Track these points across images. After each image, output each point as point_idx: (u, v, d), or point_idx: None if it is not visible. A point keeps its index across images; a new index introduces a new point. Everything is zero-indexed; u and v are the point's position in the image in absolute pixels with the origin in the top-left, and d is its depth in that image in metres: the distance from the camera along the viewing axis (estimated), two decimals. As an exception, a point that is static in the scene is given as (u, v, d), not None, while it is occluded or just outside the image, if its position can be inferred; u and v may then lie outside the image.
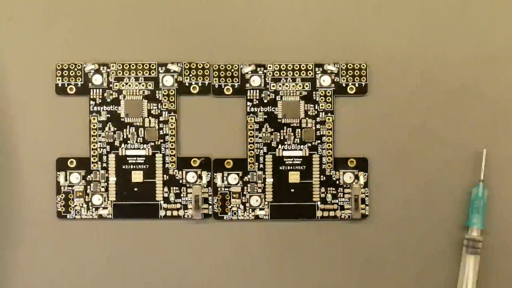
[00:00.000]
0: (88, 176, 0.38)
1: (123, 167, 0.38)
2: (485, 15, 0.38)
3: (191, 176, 0.38)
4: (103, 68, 0.38)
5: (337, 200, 0.38)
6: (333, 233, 0.38)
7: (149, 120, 0.38)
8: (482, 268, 0.37)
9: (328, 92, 0.38)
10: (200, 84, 0.38)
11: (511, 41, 0.38)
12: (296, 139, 0.38)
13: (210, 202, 0.38)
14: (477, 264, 0.37)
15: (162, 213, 0.38)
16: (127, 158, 0.38)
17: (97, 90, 0.38)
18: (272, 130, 0.38)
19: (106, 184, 0.38)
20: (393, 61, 0.38)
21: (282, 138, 0.38)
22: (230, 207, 0.38)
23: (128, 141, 0.38)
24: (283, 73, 0.38)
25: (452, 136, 0.38)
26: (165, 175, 0.38)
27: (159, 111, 0.38)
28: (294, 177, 0.38)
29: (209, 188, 0.38)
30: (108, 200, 0.38)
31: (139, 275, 0.38)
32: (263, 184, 0.38)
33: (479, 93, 0.38)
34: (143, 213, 0.38)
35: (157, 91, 0.38)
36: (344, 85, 0.38)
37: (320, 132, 0.38)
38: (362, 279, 0.38)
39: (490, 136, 0.38)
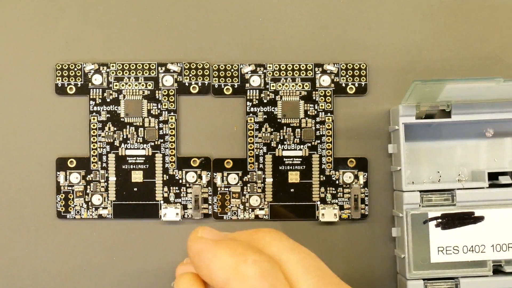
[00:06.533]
0: (88, 176, 0.38)
1: (123, 167, 0.38)
2: (485, 15, 0.38)
3: (191, 176, 0.38)
4: (103, 68, 0.38)
5: (336, 200, 0.38)
6: (333, 233, 0.38)
7: (149, 120, 0.38)
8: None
9: (328, 92, 0.38)
10: (200, 84, 0.38)
11: (510, 41, 0.38)
12: (295, 139, 0.38)
13: (210, 202, 0.38)
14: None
15: (162, 213, 0.38)
16: (127, 158, 0.38)
17: (97, 90, 0.38)
18: (272, 130, 0.38)
19: (106, 184, 0.38)
20: (393, 61, 0.38)
21: (281, 138, 0.38)
22: (230, 207, 0.38)
23: (128, 141, 0.38)
24: (283, 73, 0.38)
25: (452, 136, 0.38)
26: (165, 175, 0.38)
27: (159, 111, 0.38)
28: (293, 177, 0.38)
29: (209, 188, 0.38)
30: (108, 200, 0.38)
31: (139, 275, 0.38)
32: (262, 184, 0.38)
33: (479, 93, 0.38)
34: (143, 213, 0.38)
35: (157, 91, 0.38)
36: (343, 85, 0.38)
37: (319, 132, 0.38)
38: (362, 278, 0.38)
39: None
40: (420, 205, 0.35)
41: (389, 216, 0.38)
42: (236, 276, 0.23)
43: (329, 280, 0.24)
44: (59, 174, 0.38)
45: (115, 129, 0.38)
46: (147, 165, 0.38)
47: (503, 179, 0.35)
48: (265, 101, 0.38)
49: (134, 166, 0.38)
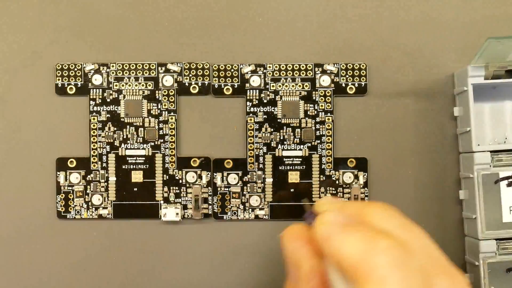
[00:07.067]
0: (88, 176, 0.38)
1: (123, 167, 0.38)
2: (484, 16, 0.38)
3: (191, 176, 0.38)
4: (103, 68, 0.38)
5: (336, 200, 0.38)
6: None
7: (149, 120, 0.38)
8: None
9: (328, 92, 0.38)
10: (200, 84, 0.38)
11: (511, 41, 0.38)
12: (295, 139, 0.38)
13: (210, 202, 0.38)
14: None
15: (162, 213, 0.38)
16: (127, 158, 0.38)
17: (97, 90, 0.38)
18: (272, 130, 0.38)
19: (106, 184, 0.38)
20: (392, 61, 0.38)
21: (281, 138, 0.38)
22: (230, 207, 0.38)
23: (128, 141, 0.38)
24: (283, 73, 0.38)
25: (451, 136, 0.38)
26: (165, 175, 0.38)
27: (159, 111, 0.38)
28: (293, 177, 0.38)
29: (209, 188, 0.38)
30: (108, 200, 0.38)
31: (139, 274, 0.38)
32: (262, 184, 0.38)
33: (479, 93, 0.38)
34: (143, 213, 0.38)
35: (157, 91, 0.38)
36: (343, 85, 0.38)
37: (319, 132, 0.38)
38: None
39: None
40: (490, 165, 0.35)
41: (389, 216, 0.38)
42: (366, 263, 0.21)
43: (435, 263, 0.23)
44: (59, 174, 0.38)
45: (115, 129, 0.38)
46: (147, 165, 0.38)
47: None
48: (265, 101, 0.38)
49: (134, 166, 0.38)
